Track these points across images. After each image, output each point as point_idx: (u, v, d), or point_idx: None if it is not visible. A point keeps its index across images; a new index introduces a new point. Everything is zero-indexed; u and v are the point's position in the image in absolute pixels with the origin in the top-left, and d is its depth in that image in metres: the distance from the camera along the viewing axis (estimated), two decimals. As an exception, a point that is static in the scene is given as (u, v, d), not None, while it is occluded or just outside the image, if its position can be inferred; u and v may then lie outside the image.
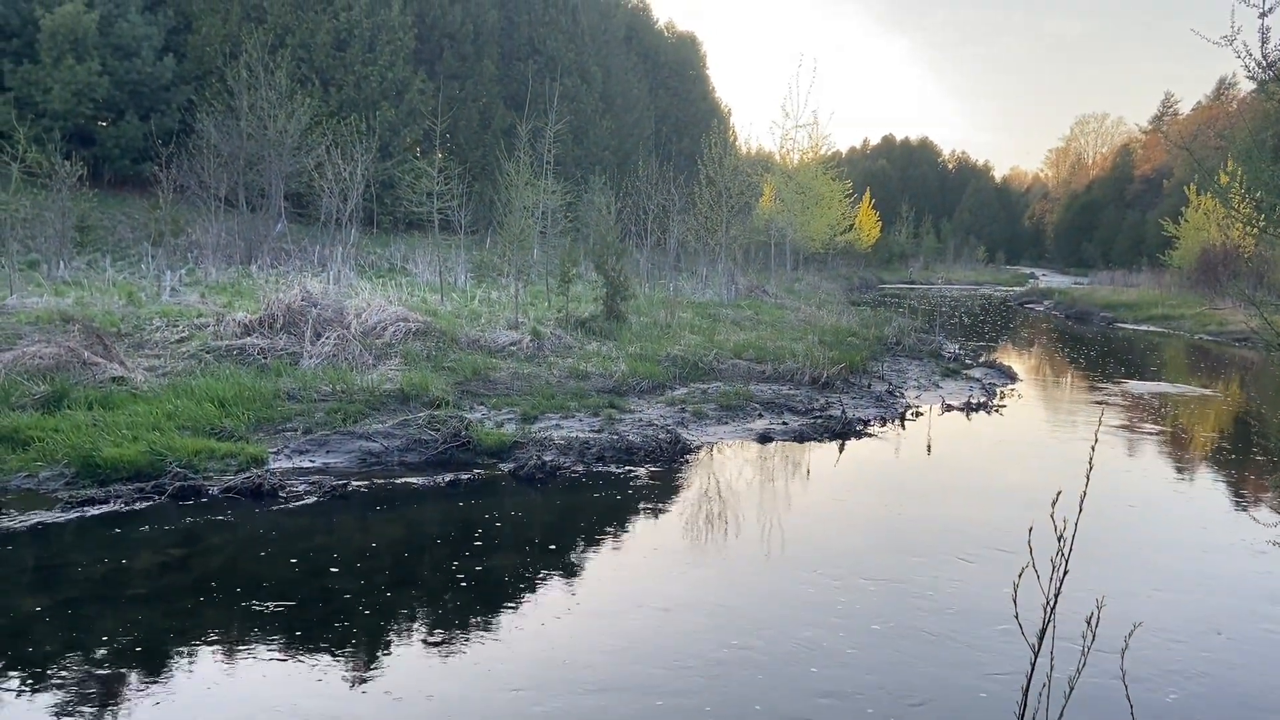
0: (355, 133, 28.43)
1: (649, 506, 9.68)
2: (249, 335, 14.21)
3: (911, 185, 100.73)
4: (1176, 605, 7.22)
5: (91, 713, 5.05)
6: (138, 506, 8.58)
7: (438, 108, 27.58)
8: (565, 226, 32.44)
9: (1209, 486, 11.83)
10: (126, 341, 13.84)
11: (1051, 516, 2.39)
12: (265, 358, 13.57)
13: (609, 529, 8.85)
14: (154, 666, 5.59)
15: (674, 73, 66.80)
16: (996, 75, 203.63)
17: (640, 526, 9.03)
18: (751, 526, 9.09)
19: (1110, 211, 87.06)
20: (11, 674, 5.43)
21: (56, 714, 5.00)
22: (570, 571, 7.63)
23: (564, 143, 43.12)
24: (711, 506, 9.83)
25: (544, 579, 7.38)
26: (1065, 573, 2.40)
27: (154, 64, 33.30)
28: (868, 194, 67.69)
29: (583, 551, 8.19)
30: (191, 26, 36.19)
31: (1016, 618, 2.42)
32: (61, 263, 21.84)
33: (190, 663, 5.67)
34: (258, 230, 27.85)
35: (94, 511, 8.40)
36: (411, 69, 39.96)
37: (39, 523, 8.05)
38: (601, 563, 7.92)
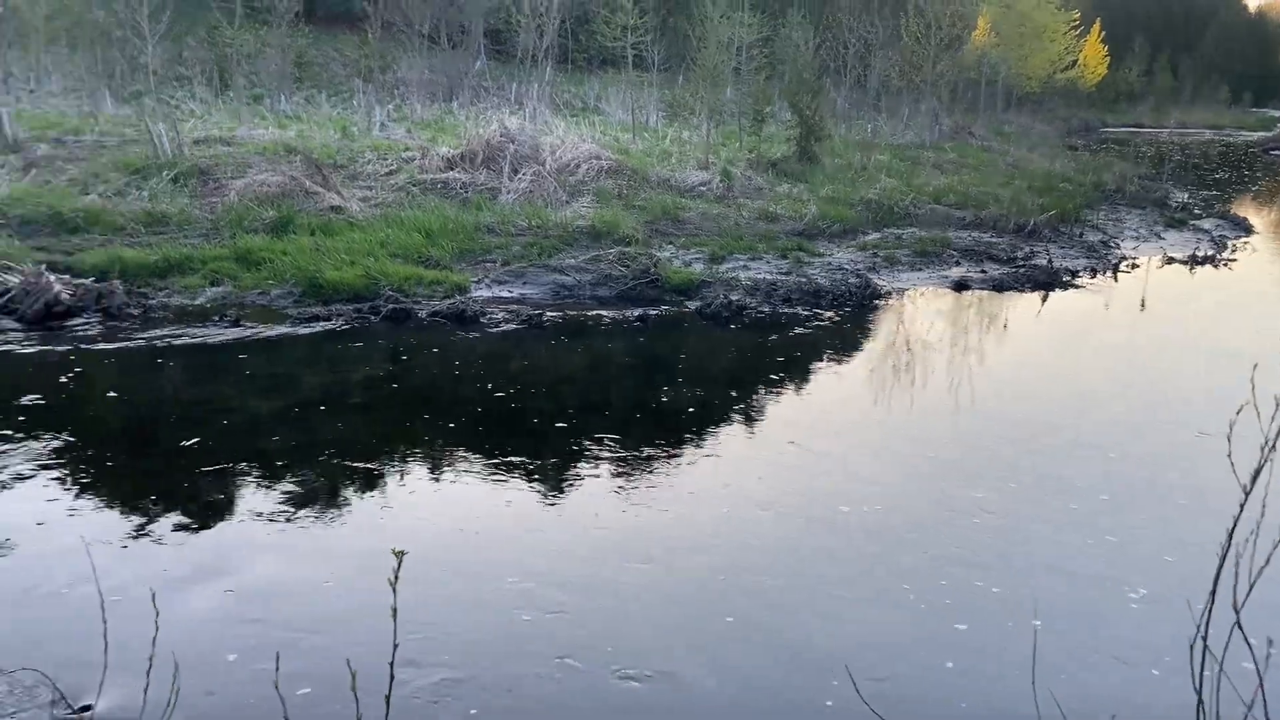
0: (551, -35, 28.01)
1: (835, 351, 9.62)
2: (451, 170, 14.78)
3: (1150, 15, 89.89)
4: None
5: (313, 504, 5.69)
6: (355, 325, 9.33)
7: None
8: (760, 64, 31.26)
9: None
10: (342, 173, 14.70)
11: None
12: (466, 192, 14.11)
13: (793, 372, 8.89)
14: (366, 472, 6.20)
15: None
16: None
17: (825, 371, 9.01)
18: (940, 379, 8.89)
19: (1393, 44, 75.03)
20: (250, 466, 6.16)
21: (285, 503, 5.67)
22: (752, 411, 7.76)
23: (763, -28, 40.93)
24: (898, 356, 9.66)
25: (727, 418, 7.55)
26: (1290, 416, 2.25)
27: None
28: (1097, 25, 60.88)
29: (766, 393, 8.29)
30: None
31: (1229, 456, 2.30)
32: (283, 97, 23.18)
33: (398, 469, 6.25)
34: (458, 67, 28.41)
35: (318, 328, 9.22)
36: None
37: (279, 334, 8.93)
38: (785, 407, 8.00)
